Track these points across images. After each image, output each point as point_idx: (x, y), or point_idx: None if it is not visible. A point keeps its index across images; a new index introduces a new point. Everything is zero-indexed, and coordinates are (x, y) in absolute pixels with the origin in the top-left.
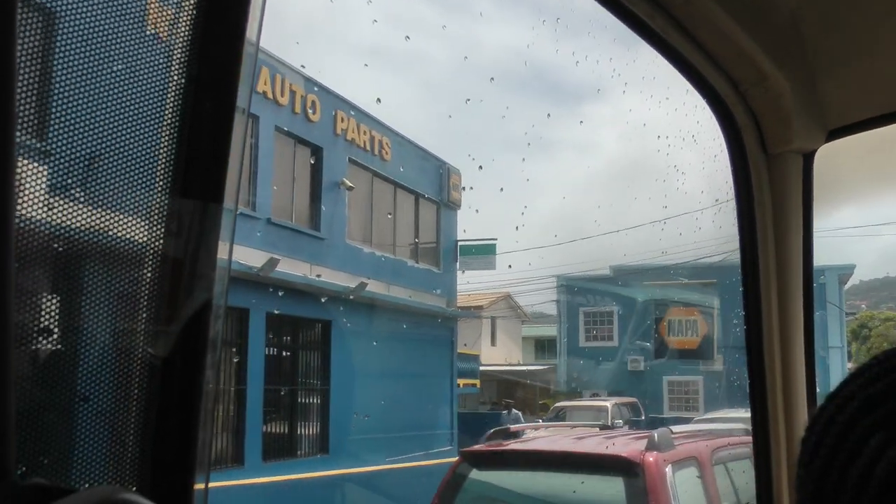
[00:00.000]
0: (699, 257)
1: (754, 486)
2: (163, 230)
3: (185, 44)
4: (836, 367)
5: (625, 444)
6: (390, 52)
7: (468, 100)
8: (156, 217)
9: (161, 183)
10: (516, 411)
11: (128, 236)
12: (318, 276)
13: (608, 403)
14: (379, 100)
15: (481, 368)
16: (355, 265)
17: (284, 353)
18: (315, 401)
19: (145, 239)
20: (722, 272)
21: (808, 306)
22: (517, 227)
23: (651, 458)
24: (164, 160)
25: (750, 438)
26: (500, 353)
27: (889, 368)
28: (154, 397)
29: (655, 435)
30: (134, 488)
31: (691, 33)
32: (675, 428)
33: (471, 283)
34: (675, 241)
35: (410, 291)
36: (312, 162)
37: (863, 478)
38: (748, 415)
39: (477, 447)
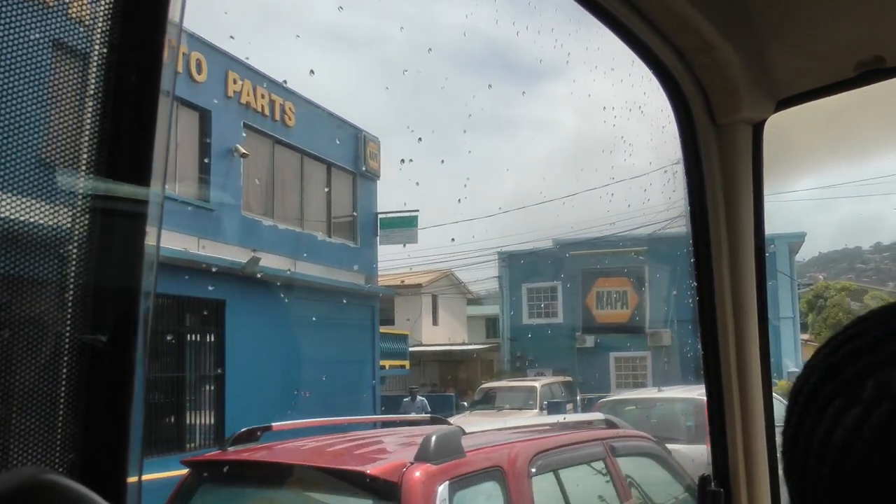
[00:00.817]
0: (635, 227)
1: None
2: (88, 213)
3: (106, 24)
4: (788, 338)
5: (393, 452)
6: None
7: (405, 70)
8: (81, 200)
9: (85, 166)
10: (421, 397)
11: (52, 220)
12: (204, 248)
13: (537, 384)
14: (312, 71)
15: (422, 349)
16: (253, 239)
17: (168, 338)
18: (208, 388)
19: (70, 223)
20: (669, 242)
21: (761, 275)
22: (459, 200)
23: (416, 475)
24: (87, 143)
25: (610, 433)
26: (443, 333)
27: (851, 336)
28: (83, 381)
29: (433, 438)
30: (61, 471)
31: (633, 2)
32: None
33: (411, 259)
34: (624, 212)
35: (323, 268)
36: (199, 126)
37: (823, 444)
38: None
39: (204, 456)
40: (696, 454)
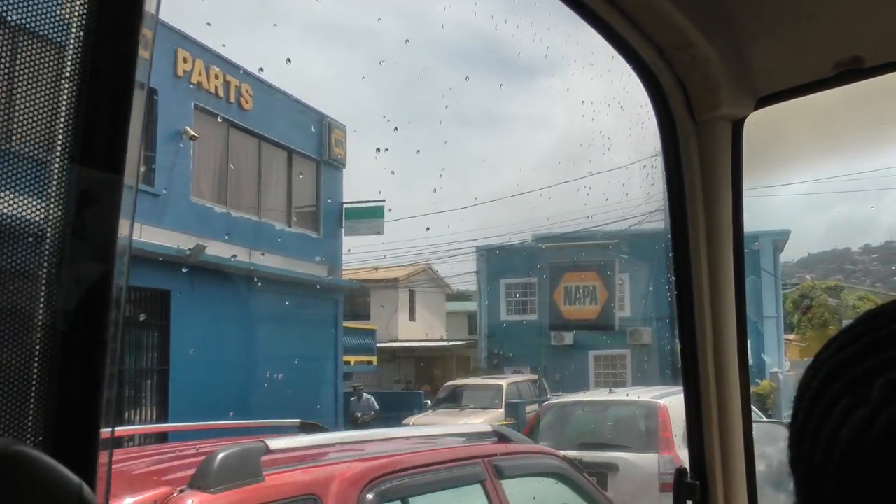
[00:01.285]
0: (614, 220)
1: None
2: (62, 201)
3: (83, 14)
4: (772, 337)
5: (178, 473)
6: (299, 14)
7: (382, 62)
8: (55, 188)
9: (60, 154)
10: (368, 395)
11: (26, 207)
12: (146, 235)
13: (504, 382)
14: (289, 60)
15: (397, 344)
16: (204, 227)
17: None
18: (150, 384)
19: (44, 210)
20: (647, 237)
21: (739, 272)
22: (434, 190)
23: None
24: (62, 132)
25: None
26: (420, 328)
27: (861, 332)
28: (56, 363)
29: (218, 457)
30: (32, 445)
31: None
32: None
33: (389, 251)
34: (602, 205)
35: (282, 258)
36: (143, 106)
37: (829, 442)
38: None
39: None
40: (645, 464)
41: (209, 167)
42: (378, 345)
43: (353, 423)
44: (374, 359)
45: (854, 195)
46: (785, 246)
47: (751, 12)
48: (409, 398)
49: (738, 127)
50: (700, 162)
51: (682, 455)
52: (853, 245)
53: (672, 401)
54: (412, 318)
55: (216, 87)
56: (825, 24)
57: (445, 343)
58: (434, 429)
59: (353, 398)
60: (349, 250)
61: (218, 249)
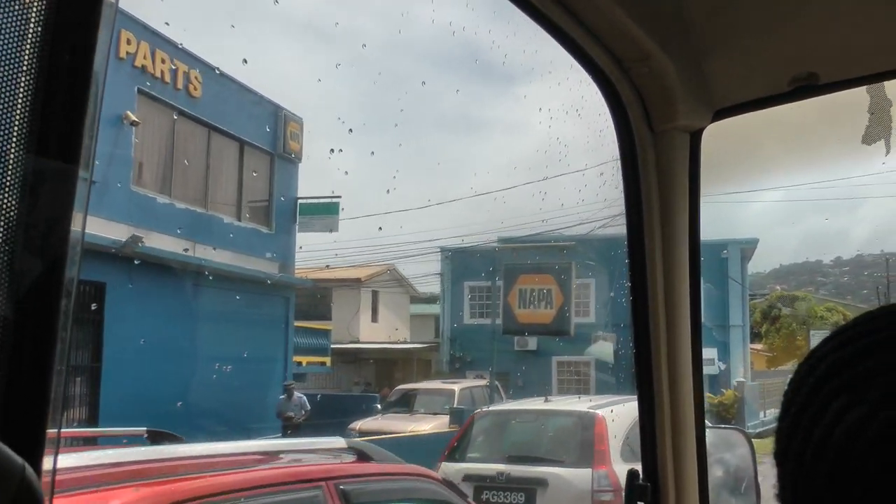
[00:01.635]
0: (575, 224)
1: None
2: (15, 190)
3: (41, 2)
4: (737, 346)
5: None
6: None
7: (338, 65)
8: (9, 177)
9: (15, 144)
10: (300, 395)
11: None
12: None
13: (456, 387)
14: (245, 60)
15: (358, 346)
16: (146, 218)
17: None
18: (80, 382)
19: None
20: (615, 242)
21: (695, 279)
22: (388, 191)
23: None
24: (18, 121)
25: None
26: (382, 330)
27: (860, 333)
28: (6, 345)
29: None
30: None
31: (572, 9)
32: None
33: (352, 249)
34: (558, 210)
35: (231, 254)
36: (99, 96)
37: (823, 439)
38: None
39: None
40: (577, 479)
41: (153, 155)
42: (338, 346)
43: (284, 424)
44: (327, 360)
45: (827, 209)
46: (753, 254)
47: (708, 27)
48: (363, 401)
49: (695, 138)
50: (657, 172)
51: (619, 470)
52: (825, 257)
53: (614, 411)
54: (374, 319)
55: (162, 72)
56: (781, 40)
57: (407, 345)
58: (282, 442)
59: (282, 397)
60: (301, 247)
61: (161, 242)
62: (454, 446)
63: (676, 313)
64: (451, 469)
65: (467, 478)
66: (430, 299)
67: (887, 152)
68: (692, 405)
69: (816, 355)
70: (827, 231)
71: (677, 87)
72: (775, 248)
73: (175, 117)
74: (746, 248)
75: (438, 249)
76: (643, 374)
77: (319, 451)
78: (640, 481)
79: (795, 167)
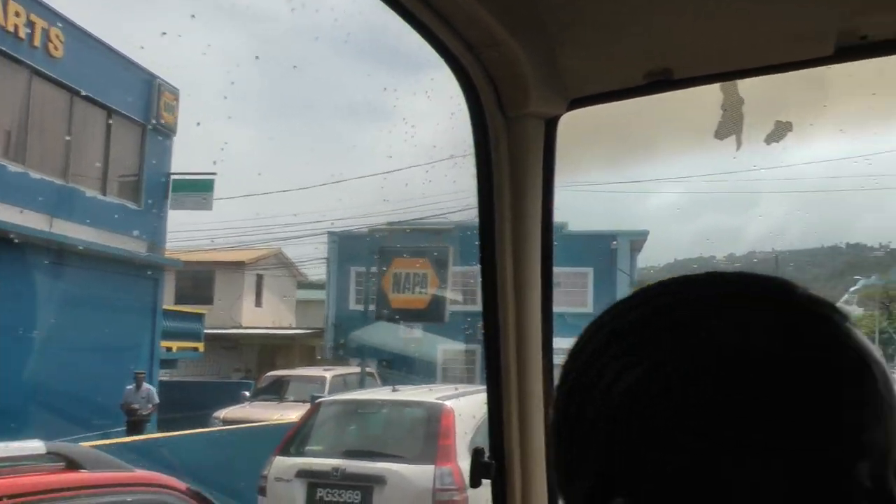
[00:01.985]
0: (449, 211)
1: None
2: None
3: None
4: None
5: None
6: None
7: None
8: None
9: None
10: (149, 386)
11: None
12: None
13: (328, 374)
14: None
15: (240, 331)
16: None
17: None
18: None
19: None
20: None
21: (547, 268)
22: (214, 162)
23: None
24: None
25: None
26: (266, 315)
27: (641, 301)
28: None
29: None
30: None
31: None
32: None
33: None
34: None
35: (93, 230)
36: None
37: (604, 396)
38: None
39: None
40: (418, 477)
41: (2, 118)
42: (219, 331)
43: (128, 418)
44: (200, 345)
45: (721, 205)
46: (643, 246)
47: (561, 16)
48: (234, 388)
49: (551, 125)
50: (509, 157)
51: (466, 467)
52: (718, 253)
53: (466, 401)
54: (258, 303)
55: (17, 27)
56: (635, 34)
57: (291, 331)
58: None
59: (129, 387)
60: (192, 228)
61: (10, 215)
62: (290, 438)
63: (526, 302)
64: (284, 464)
65: (301, 474)
66: (319, 285)
67: (738, 147)
68: (541, 386)
69: (595, 325)
70: (720, 227)
71: (529, 75)
72: (672, 243)
73: (30, 78)
74: (636, 240)
75: (325, 233)
76: (491, 357)
77: (8, 458)
78: (486, 458)
79: (661, 158)
